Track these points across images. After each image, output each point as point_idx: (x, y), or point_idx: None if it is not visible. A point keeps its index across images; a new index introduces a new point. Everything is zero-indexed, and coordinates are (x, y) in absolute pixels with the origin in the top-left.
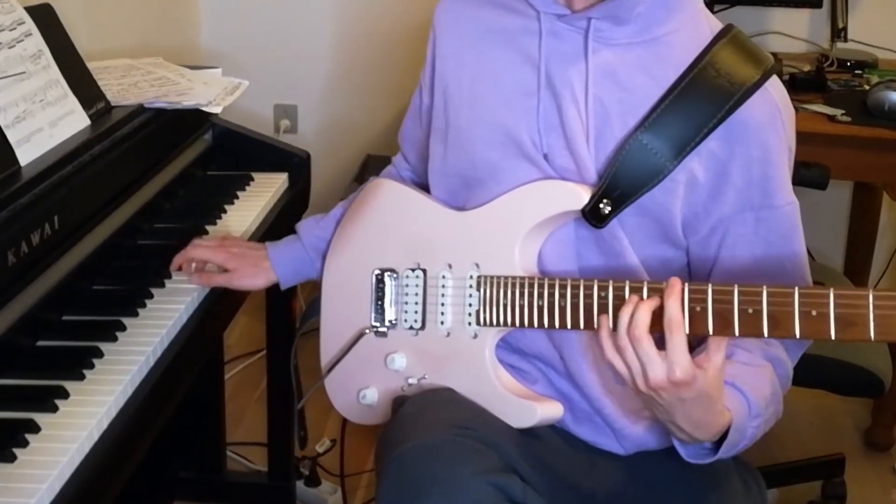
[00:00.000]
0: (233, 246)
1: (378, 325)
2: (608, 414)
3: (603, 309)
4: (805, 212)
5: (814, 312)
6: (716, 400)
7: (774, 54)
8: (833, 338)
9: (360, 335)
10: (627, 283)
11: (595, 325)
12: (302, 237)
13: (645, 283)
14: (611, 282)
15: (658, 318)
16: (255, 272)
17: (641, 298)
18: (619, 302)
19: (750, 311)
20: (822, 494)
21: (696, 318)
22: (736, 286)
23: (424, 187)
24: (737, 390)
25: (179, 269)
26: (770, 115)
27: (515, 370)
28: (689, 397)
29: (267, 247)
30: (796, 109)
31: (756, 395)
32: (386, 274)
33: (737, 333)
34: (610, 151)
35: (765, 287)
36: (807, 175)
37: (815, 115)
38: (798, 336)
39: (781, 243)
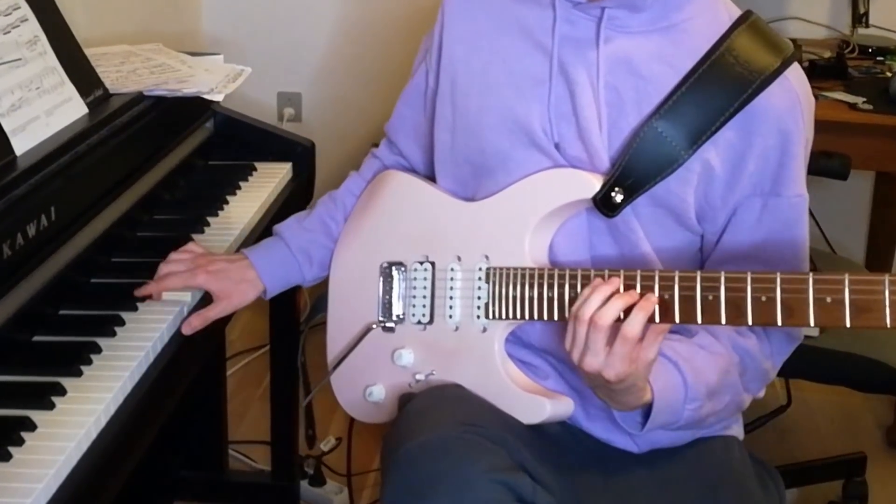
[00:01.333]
0: (209, 264)
1: (385, 319)
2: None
3: None
4: (825, 203)
5: (828, 299)
6: (639, 388)
7: (794, 40)
8: (848, 325)
9: (367, 330)
10: (639, 272)
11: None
12: (287, 240)
13: (657, 273)
14: (622, 272)
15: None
16: (244, 288)
17: (609, 284)
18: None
19: (763, 298)
20: (842, 494)
21: (709, 307)
22: (749, 273)
23: (432, 180)
24: (677, 371)
25: (149, 297)
26: (789, 105)
27: (526, 365)
28: (615, 389)
29: (247, 255)
30: (816, 97)
31: (696, 380)
32: (394, 267)
33: (750, 322)
34: (624, 140)
35: (778, 274)
36: (827, 165)
37: (836, 103)
38: (812, 323)
39: (783, 233)
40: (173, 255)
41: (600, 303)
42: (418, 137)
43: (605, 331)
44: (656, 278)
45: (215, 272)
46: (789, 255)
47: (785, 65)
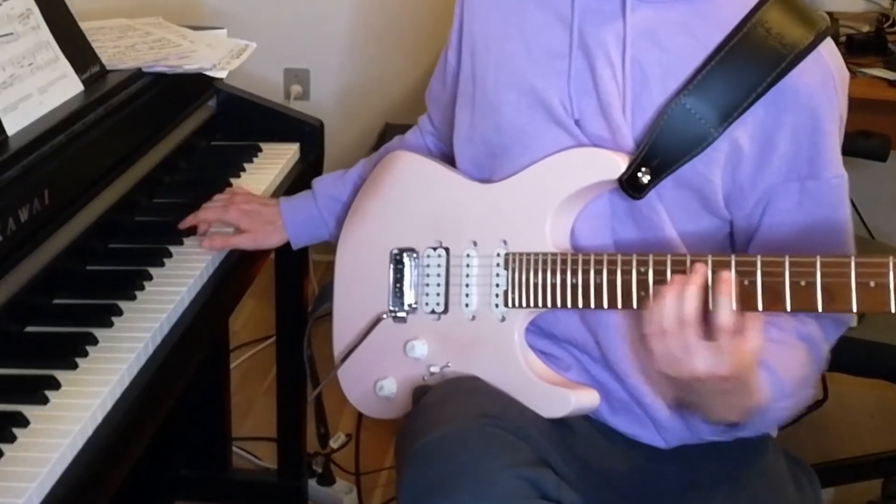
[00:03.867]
0: (243, 202)
1: (396, 309)
2: (648, 403)
3: (642, 286)
4: (863, 186)
5: (872, 283)
6: (752, 388)
7: (830, 14)
8: (893, 310)
9: (377, 321)
10: (669, 256)
11: (634, 304)
12: (316, 196)
13: (688, 257)
14: (651, 256)
15: (705, 302)
16: (269, 230)
17: (685, 276)
18: (661, 278)
19: (802, 283)
20: (882, 494)
21: (745, 293)
22: (787, 257)
23: (448, 156)
24: (765, 370)
25: (192, 230)
26: (822, 82)
27: (547, 356)
28: (728, 388)
29: (280, 203)
30: (853, 74)
31: (786, 376)
32: (405, 254)
33: (788, 308)
34: (648, 117)
35: (818, 257)
36: (865, 145)
37: (874, 80)
38: (855, 309)
39: (826, 217)
40: (212, 200)
41: (676, 302)
42: (445, 113)
43: (696, 326)
44: (687, 263)
45: (247, 211)
46: (834, 240)
47: (819, 39)
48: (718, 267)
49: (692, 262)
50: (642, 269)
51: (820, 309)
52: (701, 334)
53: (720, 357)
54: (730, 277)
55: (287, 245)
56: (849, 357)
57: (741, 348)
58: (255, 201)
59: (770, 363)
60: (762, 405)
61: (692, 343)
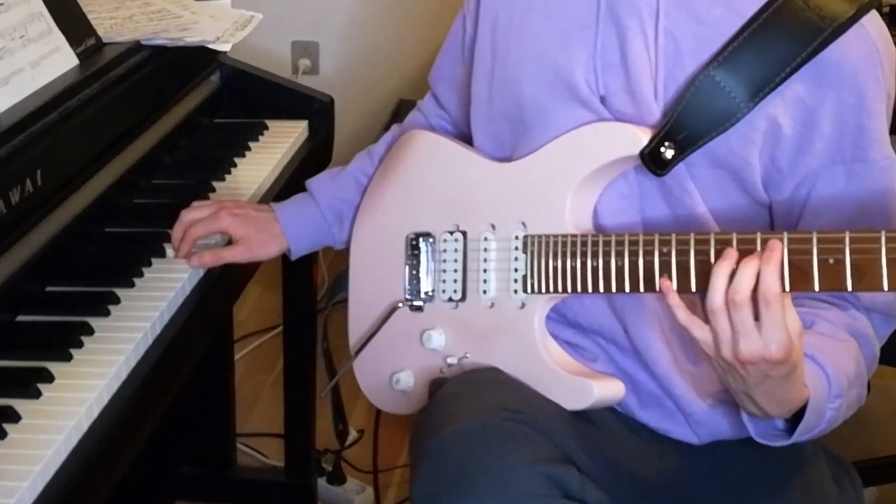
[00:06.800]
0: (234, 207)
1: (413, 297)
2: (679, 396)
3: (665, 267)
4: None
5: None
6: (800, 374)
7: None
8: None
9: (393, 310)
10: (692, 235)
11: (657, 287)
12: (317, 197)
13: (712, 236)
14: (673, 235)
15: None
16: (266, 239)
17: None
18: (684, 258)
19: (831, 260)
20: None
21: None
22: (815, 233)
23: (464, 137)
24: (817, 365)
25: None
26: (867, 56)
27: (572, 347)
28: (778, 374)
29: (274, 208)
30: None
31: (838, 373)
32: (421, 239)
33: (817, 287)
34: (678, 92)
35: (847, 232)
36: None
37: None
38: (887, 288)
39: (875, 203)
40: (195, 203)
41: (726, 281)
42: (461, 90)
43: (749, 305)
44: (712, 241)
45: (241, 216)
46: (883, 227)
47: (862, 11)
48: (743, 244)
49: (717, 242)
50: (664, 250)
51: (849, 287)
52: (752, 314)
53: (769, 335)
54: (780, 247)
55: None
56: (892, 348)
57: (789, 325)
58: (247, 206)
59: (819, 358)
60: (814, 404)
61: (743, 322)
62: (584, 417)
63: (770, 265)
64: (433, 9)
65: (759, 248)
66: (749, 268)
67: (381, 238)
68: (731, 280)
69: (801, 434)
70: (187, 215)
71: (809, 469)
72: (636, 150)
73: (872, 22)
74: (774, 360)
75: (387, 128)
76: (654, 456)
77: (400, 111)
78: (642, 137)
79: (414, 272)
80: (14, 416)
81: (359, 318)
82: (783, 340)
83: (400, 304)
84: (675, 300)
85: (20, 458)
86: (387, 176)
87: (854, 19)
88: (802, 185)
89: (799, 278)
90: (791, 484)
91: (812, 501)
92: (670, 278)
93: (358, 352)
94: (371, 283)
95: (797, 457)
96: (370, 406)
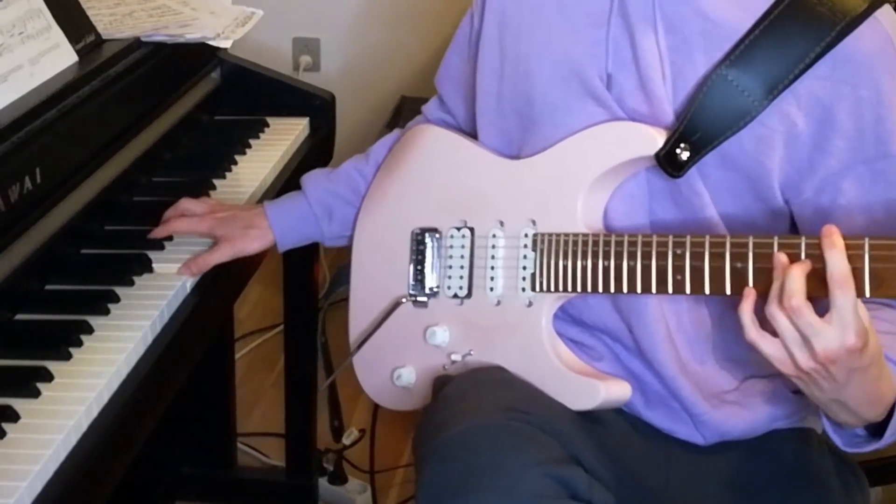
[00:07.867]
0: (220, 211)
1: (417, 293)
2: (685, 397)
3: (678, 270)
4: None
5: None
6: (884, 363)
7: None
8: None
9: (396, 305)
10: (707, 238)
11: (669, 289)
12: (307, 190)
13: (728, 238)
14: (688, 237)
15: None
16: (247, 233)
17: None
18: (698, 262)
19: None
20: None
21: None
22: (866, 239)
23: (473, 137)
24: (890, 362)
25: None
26: (881, 49)
27: (577, 345)
28: (862, 365)
29: (264, 204)
30: None
31: None
32: (427, 234)
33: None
34: (691, 92)
35: (867, 239)
36: None
37: None
38: None
39: None
40: (193, 202)
41: (779, 290)
42: (463, 88)
43: (808, 306)
44: (727, 245)
45: (223, 218)
46: None
47: (875, 5)
48: (760, 248)
49: (732, 245)
50: (678, 252)
51: (867, 294)
52: (814, 313)
53: (841, 323)
54: (837, 230)
55: None
56: None
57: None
58: (233, 207)
59: (892, 355)
60: None
61: (809, 324)
62: (590, 417)
63: (834, 250)
64: (436, 5)
65: (776, 250)
66: (797, 270)
67: (386, 232)
68: (782, 288)
69: (894, 433)
70: (184, 203)
71: (816, 469)
72: (652, 151)
73: (886, 15)
74: (856, 349)
75: (389, 125)
76: (660, 457)
77: (402, 108)
78: (658, 138)
79: (419, 268)
80: (13, 416)
81: (360, 314)
82: (859, 325)
83: (403, 300)
84: (748, 318)
85: (19, 457)
86: (392, 170)
87: (867, 13)
88: (824, 190)
89: (816, 284)
90: (797, 484)
91: (818, 502)
92: (683, 281)
93: (359, 346)
94: (374, 278)
95: (804, 457)
96: (372, 405)
